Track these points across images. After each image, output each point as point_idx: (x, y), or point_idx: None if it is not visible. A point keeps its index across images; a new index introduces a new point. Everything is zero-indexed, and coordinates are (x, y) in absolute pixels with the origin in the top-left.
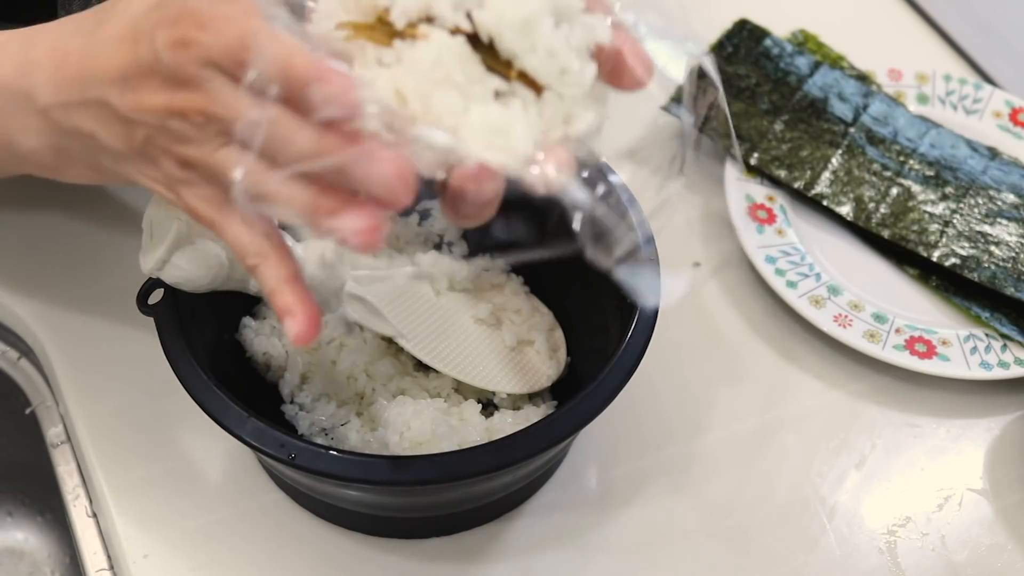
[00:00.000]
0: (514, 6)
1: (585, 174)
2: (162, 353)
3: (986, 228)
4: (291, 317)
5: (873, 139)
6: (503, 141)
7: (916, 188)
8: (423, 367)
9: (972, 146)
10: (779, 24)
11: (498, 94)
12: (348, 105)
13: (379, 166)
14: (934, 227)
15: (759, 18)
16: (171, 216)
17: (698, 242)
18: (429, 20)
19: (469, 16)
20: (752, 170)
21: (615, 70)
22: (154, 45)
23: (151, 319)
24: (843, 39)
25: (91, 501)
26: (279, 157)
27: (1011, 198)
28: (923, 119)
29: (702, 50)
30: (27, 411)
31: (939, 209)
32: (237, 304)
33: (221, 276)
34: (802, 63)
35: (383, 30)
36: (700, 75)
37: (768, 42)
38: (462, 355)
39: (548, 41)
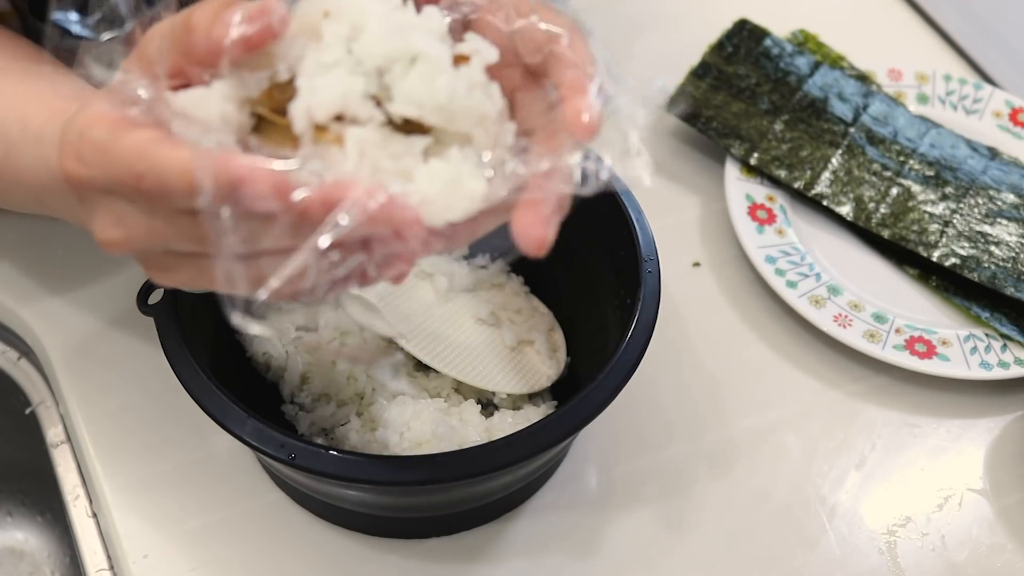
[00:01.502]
0: (430, 93)
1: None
2: (162, 353)
3: (986, 228)
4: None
5: (873, 139)
6: (459, 191)
7: (916, 188)
8: (423, 367)
9: (972, 146)
10: (779, 24)
11: (427, 149)
12: (287, 197)
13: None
14: (934, 227)
15: (759, 18)
16: None
17: (698, 242)
18: (338, 118)
19: (378, 102)
20: (752, 170)
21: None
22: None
23: (151, 319)
24: (843, 39)
25: (91, 501)
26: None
27: (1011, 198)
28: (923, 119)
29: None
30: (27, 411)
31: (939, 209)
32: None
33: None
34: (802, 63)
35: (283, 133)
36: None
37: (768, 42)
38: (462, 355)
39: (463, 104)
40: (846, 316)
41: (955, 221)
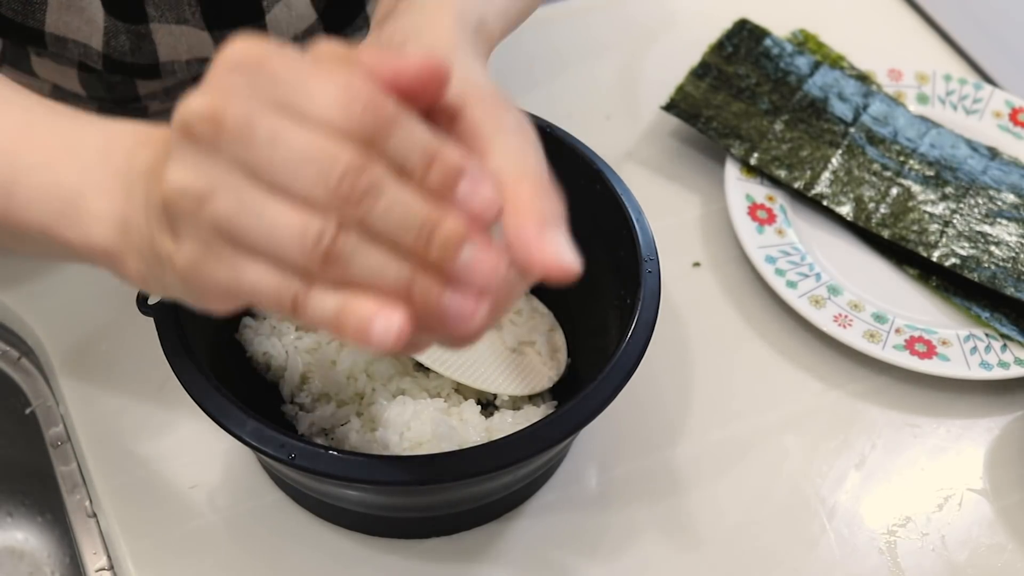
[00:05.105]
0: None
1: None
2: (162, 353)
3: (986, 228)
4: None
5: (873, 139)
6: None
7: (916, 188)
8: (423, 367)
9: (972, 146)
10: (779, 24)
11: None
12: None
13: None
14: (934, 227)
15: (759, 18)
16: None
17: (698, 242)
18: None
19: None
20: (752, 170)
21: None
22: None
23: (151, 319)
24: (843, 39)
25: (91, 501)
26: None
27: (1011, 198)
28: (923, 119)
29: None
30: (27, 411)
31: (939, 209)
32: None
33: None
34: (802, 63)
35: None
36: None
37: (768, 42)
38: (463, 358)
39: None
40: (846, 316)
41: (955, 221)
